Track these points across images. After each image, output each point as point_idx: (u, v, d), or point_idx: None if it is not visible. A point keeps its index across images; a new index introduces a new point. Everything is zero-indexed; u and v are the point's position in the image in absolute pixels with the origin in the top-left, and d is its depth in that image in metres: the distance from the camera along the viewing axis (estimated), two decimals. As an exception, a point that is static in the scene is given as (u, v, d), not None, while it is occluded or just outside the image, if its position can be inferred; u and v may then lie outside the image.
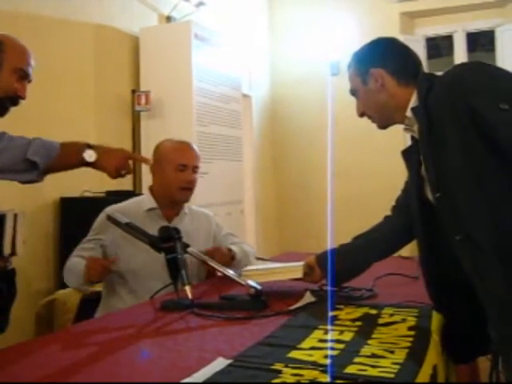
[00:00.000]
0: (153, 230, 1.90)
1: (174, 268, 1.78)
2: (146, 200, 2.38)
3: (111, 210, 2.29)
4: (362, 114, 1.72)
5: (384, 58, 1.63)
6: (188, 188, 2.36)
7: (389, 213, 1.98)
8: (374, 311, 1.67)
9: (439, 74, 1.55)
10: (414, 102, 1.56)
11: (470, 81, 1.41)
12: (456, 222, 1.45)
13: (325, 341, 1.37)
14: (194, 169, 2.38)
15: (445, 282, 1.58)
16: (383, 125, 1.71)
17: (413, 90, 1.56)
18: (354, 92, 1.71)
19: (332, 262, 1.87)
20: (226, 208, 4.12)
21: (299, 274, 1.99)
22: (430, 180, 1.51)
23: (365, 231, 1.98)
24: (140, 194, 3.74)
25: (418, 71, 1.61)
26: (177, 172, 2.33)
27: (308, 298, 1.86)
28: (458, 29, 5.61)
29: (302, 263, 2.02)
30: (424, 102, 1.49)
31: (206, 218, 2.51)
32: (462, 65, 1.53)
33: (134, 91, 3.81)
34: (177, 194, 2.34)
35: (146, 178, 3.90)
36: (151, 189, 2.42)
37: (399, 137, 5.56)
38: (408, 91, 1.57)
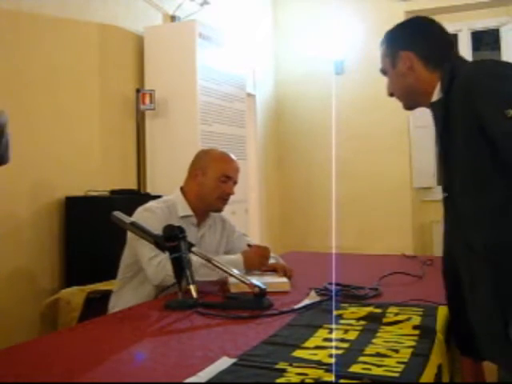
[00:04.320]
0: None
1: (179, 267, 1.78)
2: (179, 205, 2.34)
3: (146, 208, 2.26)
4: (390, 94, 1.69)
5: (415, 40, 1.60)
6: (225, 199, 2.38)
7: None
8: (378, 310, 1.67)
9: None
10: (437, 93, 1.53)
11: (479, 83, 1.38)
12: (457, 224, 1.45)
13: (329, 340, 1.37)
14: (235, 182, 2.41)
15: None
16: (409, 107, 1.68)
17: (439, 77, 1.53)
18: (383, 72, 1.69)
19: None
20: (230, 207, 4.07)
21: (287, 288, 2.06)
22: (441, 178, 1.50)
23: None
24: (146, 193, 3.76)
25: (448, 56, 1.56)
26: (219, 182, 2.34)
27: (312, 297, 1.86)
28: (463, 27, 5.59)
29: (286, 279, 2.13)
30: (445, 97, 1.47)
31: (220, 219, 2.52)
32: (479, 63, 1.49)
33: (138, 90, 3.81)
34: (215, 203, 2.35)
35: (151, 177, 3.91)
36: (184, 192, 2.39)
37: (404, 136, 5.59)
38: (435, 76, 1.54)
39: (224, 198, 2.37)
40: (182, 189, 2.41)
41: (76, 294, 2.47)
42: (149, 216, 2.19)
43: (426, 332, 1.44)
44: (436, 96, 1.53)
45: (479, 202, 1.40)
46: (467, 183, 1.42)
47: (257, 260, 2.20)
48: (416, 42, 1.59)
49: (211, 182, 2.34)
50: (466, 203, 1.43)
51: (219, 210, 2.42)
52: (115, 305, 2.26)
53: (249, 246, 2.40)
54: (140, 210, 2.26)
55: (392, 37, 1.66)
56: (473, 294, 1.43)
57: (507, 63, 1.49)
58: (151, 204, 2.30)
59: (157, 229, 1.92)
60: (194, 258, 2.01)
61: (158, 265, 2.06)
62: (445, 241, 1.60)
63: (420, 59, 1.57)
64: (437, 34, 1.61)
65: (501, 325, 1.34)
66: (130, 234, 2.20)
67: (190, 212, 2.34)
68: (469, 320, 1.46)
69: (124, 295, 2.25)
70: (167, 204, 2.32)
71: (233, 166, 2.41)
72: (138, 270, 2.23)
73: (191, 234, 2.23)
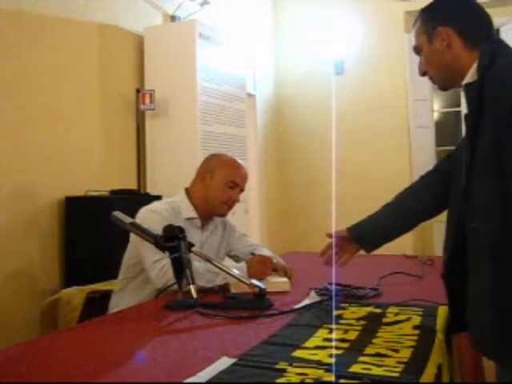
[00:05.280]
0: (190, 238, 1.89)
1: (179, 267, 1.77)
2: (184, 206, 2.33)
3: (151, 209, 2.25)
4: (423, 73, 1.62)
5: (453, 16, 1.53)
6: (230, 205, 2.37)
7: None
8: (378, 310, 1.67)
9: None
10: (471, 74, 1.47)
11: None
12: (472, 212, 1.43)
13: (329, 340, 1.37)
14: (242, 189, 2.40)
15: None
16: (443, 86, 1.62)
17: (476, 56, 1.47)
18: (417, 50, 1.62)
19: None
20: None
21: (287, 288, 2.06)
22: (465, 163, 1.46)
23: (400, 199, 1.89)
24: (146, 193, 3.76)
25: (487, 35, 1.51)
26: (226, 187, 2.33)
27: (312, 297, 1.86)
28: (463, 27, 5.58)
29: (286, 279, 2.13)
30: (481, 81, 1.41)
31: (221, 220, 2.51)
32: None
33: (138, 90, 3.81)
34: (219, 208, 2.34)
35: (151, 177, 3.91)
36: (189, 193, 2.38)
37: (404, 136, 5.59)
38: (472, 56, 1.48)
39: (229, 204, 2.36)
40: (186, 190, 2.39)
41: (76, 294, 2.46)
42: (154, 217, 2.18)
43: (425, 332, 1.44)
44: (470, 77, 1.47)
45: (495, 193, 1.37)
46: (487, 175, 1.39)
47: (259, 269, 2.19)
48: (454, 18, 1.53)
49: (218, 186, 2.33)
50: (481, 194, 1.40)
51: (223, 215, 2.41)
52: (115, 305, 2.26)
53: (252, 254, 2.40)
54: (145, 210, 2.25)
55: (429, 13, 1.59)
56: (473, 279, 1.43)
57: None
58: (156, 205, 2.29)
59: (159, 230, 1.92)
60: (198, 264, 2.02)
61: (161, 268, 2.05)
62: (452, 225, 1.58)
63: (458, 35, 1.51)
64: (476, 11, 1.55)
65: (493, 314, 1.36)
66: (133, 235, 2.19)
67: (194, 214, 2.33)
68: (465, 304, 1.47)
69: (125, 296, 2.25)
70: (172, 206, 2.30)
71: (241, 173, 2.41)
72: (140, 271, 2.23)
73: (195, 237, 2.23)
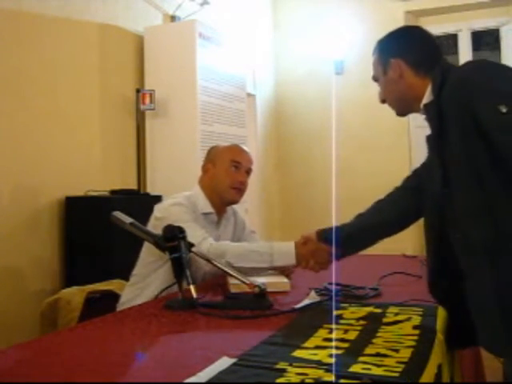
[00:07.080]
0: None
1: (178, 267, 1.77)
2: (200, 200, 2.31)
3: (171, 203, 2.24)
4: (383, 101, 1.74)
5: (404, 48, 1.64)
6: (239, 188, 2.33)
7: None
8: (378, 310, 1.67)
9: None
10: (428, 95, 1.55)
11: (473, 83, 1.41)
12: (456, 220, 1.46)
13: (329, 340, 1.37)
14: (248, 171, 2.37)
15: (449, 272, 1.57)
16: (401, 113, 1.73)
17: (429, 82, 1.56)
18: (376, 79, 1.73)
19: (337, 240, 1.94)
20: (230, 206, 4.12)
21: (287, 288, 2.05)
22: (437, 176, 1.50)
23: (369, 211, 2.01)
24: (145, 193, 3.76)
25: (438, 62, 1.59)
26: (230, 169, 2.30)
27: (312, 297, 1.86)
28: (463, 27, 5.59)
29: (286, 280, 2.10)
30: (437, 99, 1.49)
31: (232, 211, 2.50)
32: (470, 64, 1.53)
33: (138, 90, 3.81)
34: (227, 193, 2.31)
35: (151, 177, 3.91)
36: (201, 188, 2.36)
37: (403, 136, 5.59)
38: (425, 83, 1.57)
39: (237, 188, 2.32)
40: (200, 184, 2.38)
41: (76, 294, 2.46)
42: (180, 209, 2.17)
43: (425, 332, 1.44)
44: (427, 98, 1.56)
45: (476, 198, 1.41)
46: (463, 180, 1.43)
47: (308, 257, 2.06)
48: (406, 50, 1.63)
49: (222, 170, 2.32)
50: (461, 200, 1.45)
51: (234, 201, 2.37)
52: (133, 297, 2.22)
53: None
54: (166, 205, 2.23)
55: (383, 45, 1.71)
56: (471, 282, 1.46)
57: (496, 63, 1.55)
58: (174, 199, 2.27)
59: (189, 220, 1.99)
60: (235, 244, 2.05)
61: (210, 245, 2.06)
62: (434, 239, 1.60)
63: (410, 66, 1.61)
64: (426, 42, 1.65)
65: (500, 313, 1.38)
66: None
67: (210, 209, 2.32)
68: (465, 310, 1.49)
69: (151, 285, 2.20)
70: (190, 200, 2.28)
71: (241, 153, 2.38)
72: (162, 265, 2.19)
73: (211, 233, 2.22)
